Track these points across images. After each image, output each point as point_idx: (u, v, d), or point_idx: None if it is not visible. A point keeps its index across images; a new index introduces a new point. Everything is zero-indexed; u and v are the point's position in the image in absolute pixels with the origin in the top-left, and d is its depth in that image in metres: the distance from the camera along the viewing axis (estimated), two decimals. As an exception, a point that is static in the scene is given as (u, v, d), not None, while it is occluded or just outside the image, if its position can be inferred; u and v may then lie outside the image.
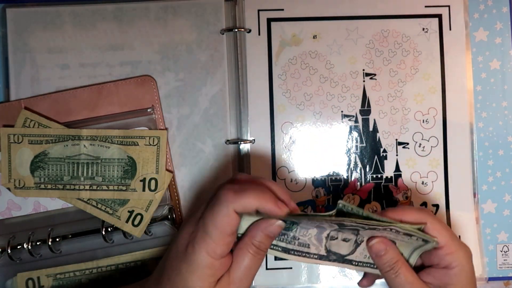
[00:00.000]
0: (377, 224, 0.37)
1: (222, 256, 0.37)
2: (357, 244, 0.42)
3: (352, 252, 0.42)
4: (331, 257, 0.42)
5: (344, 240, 0.42)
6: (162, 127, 0.51)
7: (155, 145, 0.49)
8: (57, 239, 0.49)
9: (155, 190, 0.49)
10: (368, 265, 0.43)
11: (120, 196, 0.49)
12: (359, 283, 0.46)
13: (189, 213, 0.51)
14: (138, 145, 0.49)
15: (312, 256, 0.42)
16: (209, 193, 0.51)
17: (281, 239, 0.42)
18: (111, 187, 0.49)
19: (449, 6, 0.53)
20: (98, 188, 0.49)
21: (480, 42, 0.54)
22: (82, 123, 0.50)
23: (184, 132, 0.52)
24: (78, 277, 0.49)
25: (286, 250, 0.42)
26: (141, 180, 0.49)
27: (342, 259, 0.42)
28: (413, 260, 0.41)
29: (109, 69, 0.52)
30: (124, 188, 0.49)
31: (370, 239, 0.40)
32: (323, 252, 0.42)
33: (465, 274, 0.40)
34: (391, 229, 0.38)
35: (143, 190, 0.49)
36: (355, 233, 0.41)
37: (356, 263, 0.43)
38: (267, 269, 0.51)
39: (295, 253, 0.42)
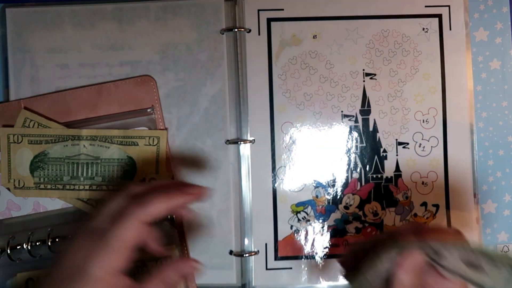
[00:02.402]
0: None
1: (120, 271, 0.35)
2: None
3: None
4: None
5: None
6: (162, 127, 0.51)
7: (155, 145, 0.49)
8: (57, 239, 0.49)
9: None
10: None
11: None
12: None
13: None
14: (138, 145, 0.49)
15: None
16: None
17: None
18: (110, 187, 0.49)
19: (449, 6, 0.53)
20: (98, 188, 0.49)
21: (480, 42, 0.54)
22: (81, 123, 0.50)
23: (184, 132, 0.52)
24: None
25: None
26: (141, 181, 0.49)
27: None
28: None
29: (109, 69, 0.52)
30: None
31: None
32: None
33: None
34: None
35: None
36: None
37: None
38: (267, 269, 0.51)
39: None
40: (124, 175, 0.49)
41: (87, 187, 0.49)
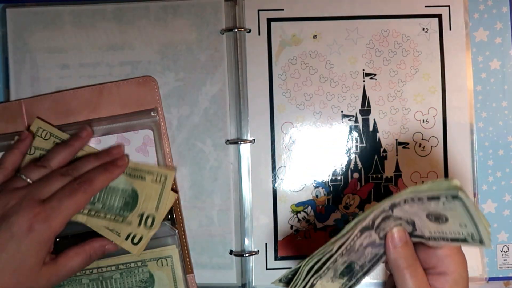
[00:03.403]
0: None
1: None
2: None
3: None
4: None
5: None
6: (163, 128, 0.51)
7: (160, 183, 0.48)
8: (57, 239, 0.49)
9: (150, 226, 0.47)
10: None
11: (114, 226, 0.47)
12: None
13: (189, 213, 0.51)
14: (145, 180, 0.48)
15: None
16: (208, 193, 0.51)
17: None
18: (108, 216, 0.47)
19: (449, 6, 0.53)
20: (96, 214, 0.47)
21: (480, 42, 0.54)
22: (84, 124, 0.50)
23: (184, 132, 0.52)
24: (78, 277, 0.49)
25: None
26: (139, 215, 0.48)
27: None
28: None
29: (109, 69, 0.52)
30: (120, 219, 0.47)
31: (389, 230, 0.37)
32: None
33: (464, 283, 0.36)
34: (416, 199, 0.34)
35: (139, 224, 0.47)
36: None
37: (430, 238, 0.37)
38: (267, 269, 0.51)
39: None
40: (124, 206, 0.48)
41: (85, 211, 0.47)
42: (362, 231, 0.35)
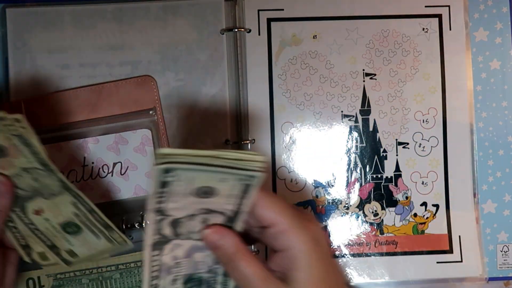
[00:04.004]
0: None
1: None
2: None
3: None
4: None
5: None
6: (162, 128, 0.51)
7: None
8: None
9: None
10: None
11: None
12: None
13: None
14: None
15: None
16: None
17: None
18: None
19: (449, 6, 0.53)
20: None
21: (480, 42, 0.54)
22: (82, 124, 0.50)
23: (184, 132, 0.52)
24: (78, 277, 0.49)
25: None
26: None
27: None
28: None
29: (109, 69, 0.52)
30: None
31: (204, 228, 0.35)
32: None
33: (306, 257, 0.33)
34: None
35: None
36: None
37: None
38: (267, 269, 0.51)
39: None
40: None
41: None
42: (157, 247, 0.34)
